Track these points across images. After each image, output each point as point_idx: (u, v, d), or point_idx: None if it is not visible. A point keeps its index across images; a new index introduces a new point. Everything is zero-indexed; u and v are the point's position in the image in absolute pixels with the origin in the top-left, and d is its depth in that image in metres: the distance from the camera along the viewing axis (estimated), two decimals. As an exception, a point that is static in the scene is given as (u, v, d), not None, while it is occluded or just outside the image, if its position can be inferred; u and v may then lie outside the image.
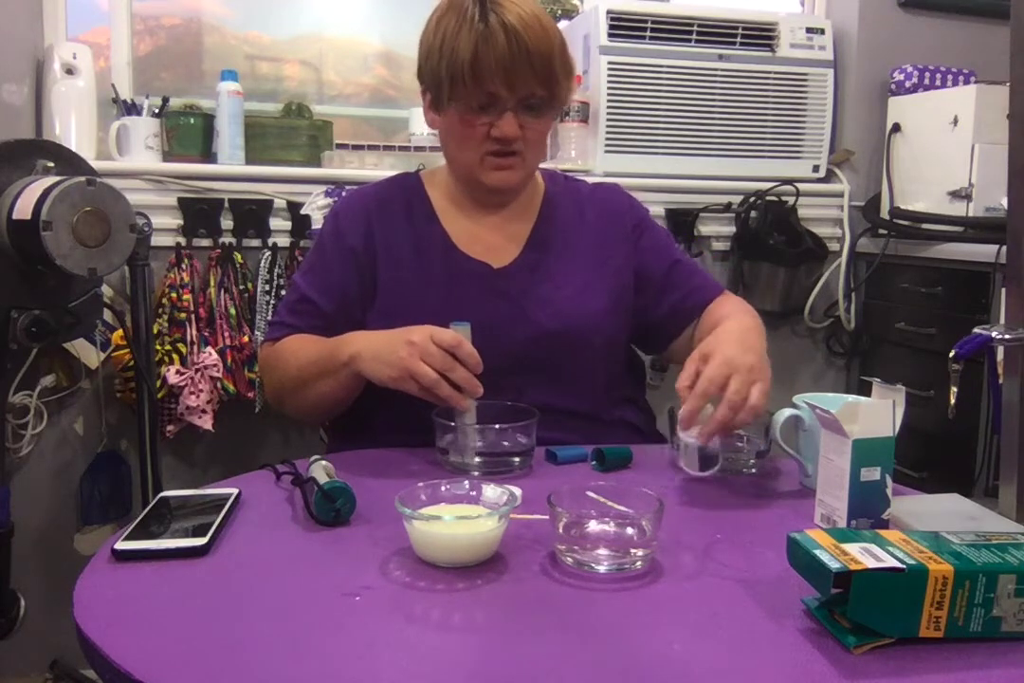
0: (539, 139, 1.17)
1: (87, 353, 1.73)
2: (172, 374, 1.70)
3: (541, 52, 1.09)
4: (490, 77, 1.07)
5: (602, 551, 0.74)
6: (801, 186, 2.10)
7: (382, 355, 1.00)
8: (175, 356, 1.73)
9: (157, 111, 1.86)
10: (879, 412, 0.80)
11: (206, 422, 1.74)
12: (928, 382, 1.88)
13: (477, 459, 0.99)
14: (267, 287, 1.81)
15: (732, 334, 1.03)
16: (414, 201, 1.24)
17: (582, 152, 2.02)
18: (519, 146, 1.13)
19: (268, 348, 1.21)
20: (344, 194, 1.76)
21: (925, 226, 1.98)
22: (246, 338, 1.78)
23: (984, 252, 1.76)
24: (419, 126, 2.05)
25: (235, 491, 0.89)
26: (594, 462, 1.03)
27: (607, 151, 2.01)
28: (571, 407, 1.16)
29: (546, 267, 1.21)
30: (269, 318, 1.78)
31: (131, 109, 1.84)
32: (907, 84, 2.13)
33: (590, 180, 1.36)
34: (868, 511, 0.80)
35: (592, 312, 1.19)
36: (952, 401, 0.96)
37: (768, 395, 0.94)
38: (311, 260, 1.24)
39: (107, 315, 1.70)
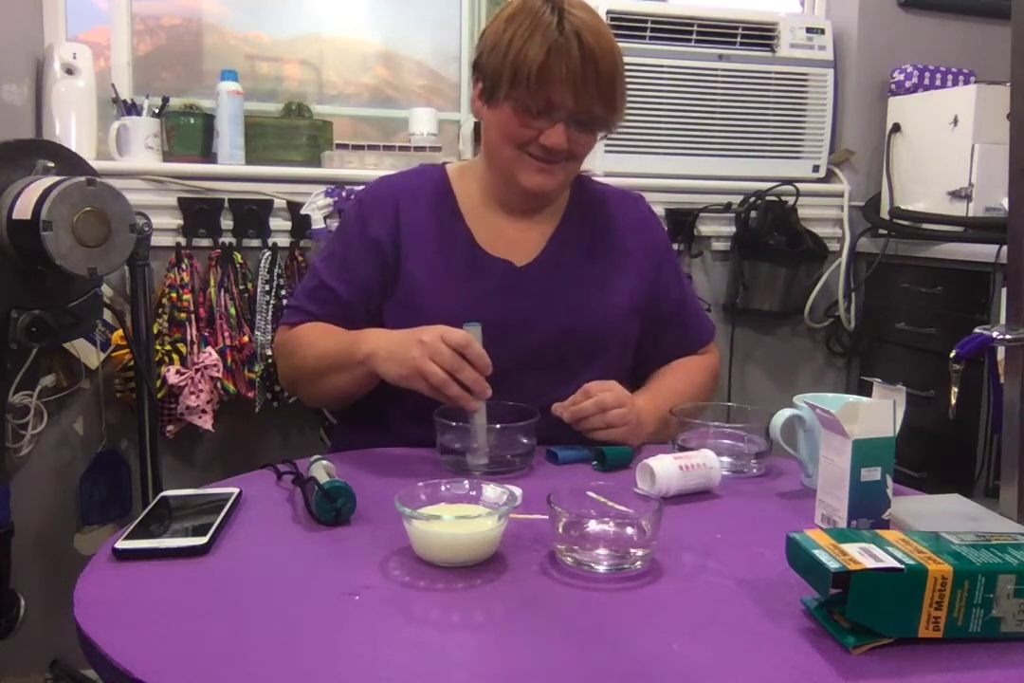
0: (583, 154, 1.16)
1: (87, 353, 1.73)
2: (172, 374, 1.70)
3: (609, 72, 1.09)
4: (556, 86, 1.07)
5: (602, 551, 0.74)
6: (801, 186, 2.10)
7: (395, 354, 1.01)
8: (175, 356, 1.73)
9: (157, 111, 1.86)
10: (879, 412, 0.80)
11: (206, 422, 1.74)
12: (928, 382, 1.88)
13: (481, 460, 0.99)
14: (267, 287, 1.81)
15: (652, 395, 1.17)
16: (440, 196, 1.22)
17: (582, 152, 2.02)
18: (561, 157, 1.13)
19: (285, 332, 1.22)
20: (352, 190, 1.76)
21: (925, 226, 1.98)
22: (246, 338, 1.78)
23: (984, 252, 1.76)
24: (419, 126, 2.04)
25: (235, 491, 0.89)
26: (594, 462, 1.03)
27: (607, 151, 2.01)
28: None
29: (568, 265, 1.21)
30: (269, 318, 1.79)
31: (131, 109, 1.84)
32: (907, 84, 2.13)
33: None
34: (868, 511, 0.80)
35: (614, 311, 1.20)
36: (952, 401, 0.96)
37: (638, 437, 1.09)
38: (333, 246, 1.23)
39: (107, 315, 1.70)
